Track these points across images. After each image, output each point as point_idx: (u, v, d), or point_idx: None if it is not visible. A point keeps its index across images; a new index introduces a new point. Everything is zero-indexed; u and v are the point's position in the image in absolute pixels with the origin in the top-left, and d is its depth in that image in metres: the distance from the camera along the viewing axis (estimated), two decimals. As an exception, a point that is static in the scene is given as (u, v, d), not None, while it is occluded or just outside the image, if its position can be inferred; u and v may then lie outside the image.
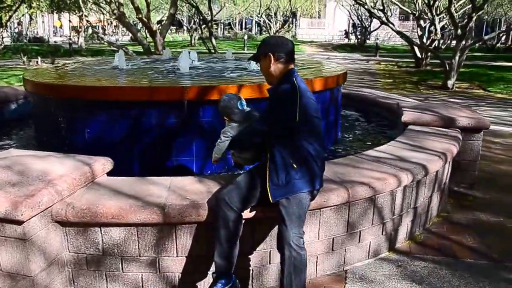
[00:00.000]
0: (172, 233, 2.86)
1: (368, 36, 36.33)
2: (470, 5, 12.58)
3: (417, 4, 19.52)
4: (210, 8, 22.05)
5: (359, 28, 37.18)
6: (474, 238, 3.92)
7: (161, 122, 4.07)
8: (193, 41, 33.38)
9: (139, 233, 2.84)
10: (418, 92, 13.09)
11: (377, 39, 29.30)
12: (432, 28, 17.97)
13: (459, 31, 12.67)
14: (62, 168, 2.96)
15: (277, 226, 2.74)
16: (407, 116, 5.09)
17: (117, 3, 15.42)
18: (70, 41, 26.26)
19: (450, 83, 13.31)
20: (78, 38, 31.05)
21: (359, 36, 36.10)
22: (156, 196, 2.89)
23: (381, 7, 20.31)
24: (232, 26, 47.15)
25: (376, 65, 21.88)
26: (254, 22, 46.75)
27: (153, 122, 4.07)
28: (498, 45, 32.34)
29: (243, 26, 50.41)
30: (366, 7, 17.63)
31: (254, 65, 5.37)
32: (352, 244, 3.41)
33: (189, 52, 5.75)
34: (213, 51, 19.90)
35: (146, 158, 4.15)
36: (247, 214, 2.84)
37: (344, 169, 3.48)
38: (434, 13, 16.66)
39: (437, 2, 16.96)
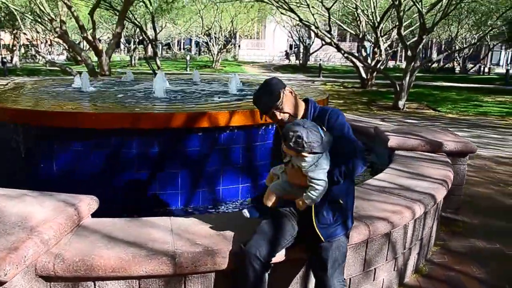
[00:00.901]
0: (182, 284, 2.44)
1: (309, 57, 37.13)
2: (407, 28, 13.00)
3: (361, 25, 20.14)
4: (154, 28, 21.51)
5: (300, 49, 37.91)
6: (478, 268, 3.79)
7: (143, 152, 3.64)
8: (133, 61, 32.56)
9: (141, 286, 2.39)
10: (372, 113, 13.30)
11: (320, 59, 29.99)
12: (376, 49, 18.55)
13: (409, 53, 13.08)
14: (43, 210, 2.47)
15: (303, 270, 2.43)
16: (393, 141, 4.95)
17: (60, 21, 14.59)
18: (4, 60, 24.62)
19: (401, 103, 13.66)
20: (12, 56, 29.25)
21: (301, 57, 36.80)
22: (161, 241, 2.46)
23: (328, 29, 20.77)
24: (171, 46, 46.62)
25: (322, 85, 22.26)
26: (193, 42, 46.49)
27: (134, 152, 3.62)
28: (433, 65, 34.20)
29: (181, 47, 50.02)
30: (312, 28, 17.88)
31: (234, 88, 5.06)
32: (368, 283, 3.14)
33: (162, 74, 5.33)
34: (156, 71, 19.31)
35: (126, 193, 3.69)
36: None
37: (356, 202, 3.21)
38: (379, 35, 17.22)
39: (382, 24, 17.55)
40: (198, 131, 3.68)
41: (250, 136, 3.94)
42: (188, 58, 30.90)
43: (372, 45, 20.78)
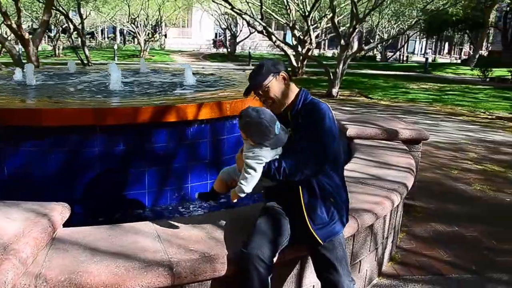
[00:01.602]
0: (178, 296, 2.24)
1: (236, 46, 37.06)
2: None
3: (291, 14, 20.33)
4: (80, 15, 20.28)
5: (227, 37, 37.73)
6: (444, 251, 3.91)
7: (107, 151, 3.32)
8: (57, 51, 30.60)
9: (135, 301, 2.16)
10: (308, 102, 13.45)
11: (250, 48, 30.04)
12: (306, 38, 18.82)
13: (342, 41, 13.39)
14: (13, 224, 2.15)
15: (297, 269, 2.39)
16: (352, 131, 4.98)
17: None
18: None
19: (334, 91, 13.98)
20: None
21: (228, 45, 36.63)
22: (152, 250, 2.24)
23: (260, 17, 20.75)
24: (96, 35, 44.40)
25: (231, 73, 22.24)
26: (118, 31, 44.62)
27: (97, 151, 3.30)
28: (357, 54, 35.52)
29: (105, 36, 47.85)
30: (244, 16, 17.79)
31: (190, 79, 4.81)
32: (354, 275, 3.09)
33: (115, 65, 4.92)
34: (86, 61, 18.28)
35: (89, 195, 3.36)
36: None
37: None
38: (310, 24, 17.49)
39: (312, 13, 17.82)
40: (165, 126, 3.43)
41: (217, 130, 3.76)
42: (115, 47, 29.53)
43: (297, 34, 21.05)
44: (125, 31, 41.32)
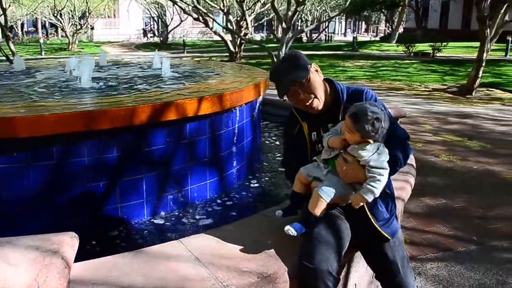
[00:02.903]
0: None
1: (168, 34, 35.96)
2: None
3: (225, 0, 19.91)
4: (2, 8, 18.32)
5: (159, 26, 36.59)
6: (443, 225, 3.97)
7: (99, 159, 2.89)
8: (-29, 47, 27.74)
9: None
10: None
11: (184, 36, 29.27)
12: (242, 22, 18.57)
13: (284, 24, 13.29)
14: (18, 271, 1.65)
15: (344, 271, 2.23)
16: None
17: None
18: None
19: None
20: None
21: (159, 34, 35.47)
22: (198, 278, 1.91)
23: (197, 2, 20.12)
24: (15, 29, 40.93)
25: (189, 61, 21.67)
26: (39, 24, 41.48)
27: (87, 160, 2.85)
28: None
29: (26, 29, 44.33)
30: (179, 4, 17.15)
31: (168, 72, 4.38)
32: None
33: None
34: (11, 57, 16.62)
35: (79, 213, 2.91)
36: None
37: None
38: (245, 8, 17.23)
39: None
40: (164, 125, 3.05)
41: (214, 124, 3.43)
42: (41, 41, 27.32)
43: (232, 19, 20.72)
44: (47, 24, 38.43)
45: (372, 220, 2.12)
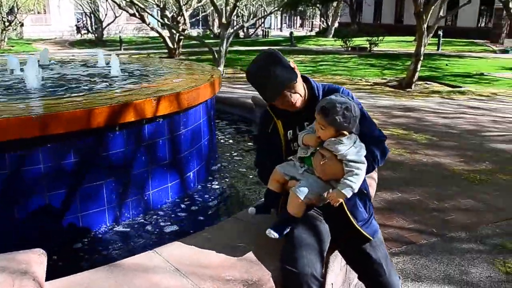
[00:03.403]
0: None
1: (103, 30, 34.53)
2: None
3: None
4: None
5: (93, 22, 35.03)
6: (403, 219, 4.03)
7: (55, 167, 2.66)
8: None
9: None
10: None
11: (120, 32, 28.22)
12: (179, 18, 18.18)
13: (223, 20, 13.13)
14: None
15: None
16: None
17: None
18: None
19: (220, 70, 13.74)
20: None
21: (93, 30, 33.96)
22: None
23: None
24: None
25: (131, 58, 20.98)
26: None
27: (42, 168, 2.62)
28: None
29: None
30: (116, 0, 16.51)
31: (117, 70, 4.15)
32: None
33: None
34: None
35: (37, 223, 2.68)
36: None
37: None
38: (182, 3, 16.88)
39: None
40: (122, 128, 2.86)
41: (173, 125, 3.28)
42: None
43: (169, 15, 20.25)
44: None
45: (353, 221, 2.09)
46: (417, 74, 11.70)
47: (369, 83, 12.68)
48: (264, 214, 2.20)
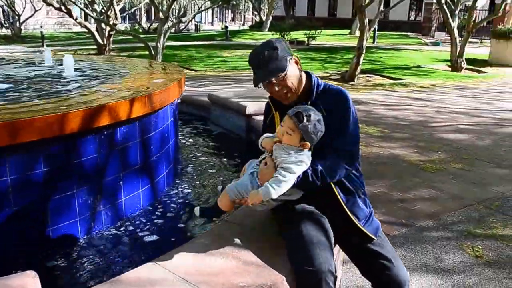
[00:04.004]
0: None
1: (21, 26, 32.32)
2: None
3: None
4: None
5: (9, 17, 32.66)
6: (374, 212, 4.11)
7: (23, 178, 2.40)
8: None
9: None
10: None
11: (41, 27, 26.58)
12: (109, 12, 17.41)
13: (161, 14, 12.75)
14: None
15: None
16: (251, 108, 4.80)
17: None
18: None
19: (159, 67, 13.34)
20: None
21: (11, 26, 31.68)
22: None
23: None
24: None
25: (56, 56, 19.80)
26: None
27: (9, 180, 2.36)
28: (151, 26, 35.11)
29: None
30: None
31: (71, 70, 3.85)
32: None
33: None
34: None
35: (4, 240, 2.42)
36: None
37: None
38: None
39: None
40: (95, 132, 2.65)
41: (144, 127, 3.09)
42: None
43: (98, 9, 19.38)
44: None
45: (355, 221, 2.09)
46: (359, 68, 12.05)
47: (312, 77, 12.86)
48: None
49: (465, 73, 14.39)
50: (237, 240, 2.15)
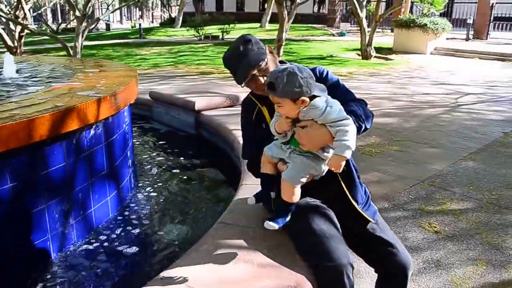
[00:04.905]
0: None
1: None
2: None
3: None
4: None
5: None
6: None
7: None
8: None
9: None
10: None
11: None
12: (18, 12, 16.03)
13: (77, 13, 12.00)
14: None
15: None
16: (200, 103, 4.69)
17: None
18: None
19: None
20: None
21: None
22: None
23: None
24: None
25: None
26: None
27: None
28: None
29: None
30: None
31: (11, 71, 3.47)
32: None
33: None
34: None
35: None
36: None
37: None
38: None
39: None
40: (62, 138, 2.41)
41: (109, 129, 2.88)
42: None
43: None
44: None
45: (355, 205, 2.09)
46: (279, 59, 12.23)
47: (235, 71, 12.84)
48: (265, 200, 2.07)
49: (375, 60, 15.24)
50: (243, 242, 2.06)
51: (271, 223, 1.84)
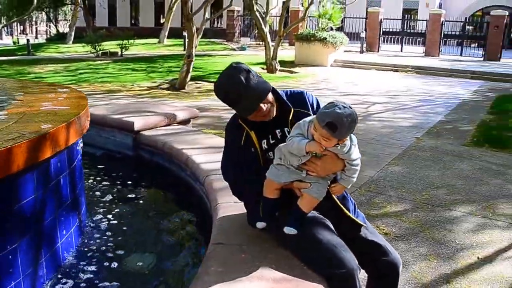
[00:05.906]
0: None
1: None
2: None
3: None
4: None
5: None
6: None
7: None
8: None
9: None
10: None
11: None
12: None
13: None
14: None
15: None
16: (138, 123, 4.52)
17: None
18: None
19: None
20: None
21: None
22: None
23: None
24: None
25: None
26: None
27: None
28: None
29: None
30: None
31: None
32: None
33: None
34: None
35: None
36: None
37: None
38: None
39: None
40: (34, 168, 2.19)
41: (71, 155, 2.66)
42: None
43: None
44: None
45: (347, 213, 2.20)
46: (189, 75, 12.14)
47: (143, 88, 12.49)
48: (272, 222, 2.13)
49: (281, 74, 15.76)
50: (246, 259, 2.05)
51: (292, 229, 2.02)
